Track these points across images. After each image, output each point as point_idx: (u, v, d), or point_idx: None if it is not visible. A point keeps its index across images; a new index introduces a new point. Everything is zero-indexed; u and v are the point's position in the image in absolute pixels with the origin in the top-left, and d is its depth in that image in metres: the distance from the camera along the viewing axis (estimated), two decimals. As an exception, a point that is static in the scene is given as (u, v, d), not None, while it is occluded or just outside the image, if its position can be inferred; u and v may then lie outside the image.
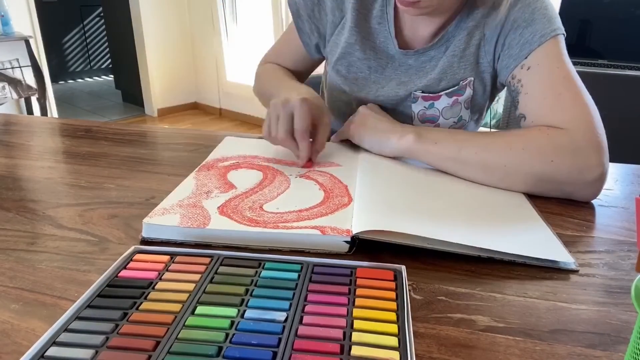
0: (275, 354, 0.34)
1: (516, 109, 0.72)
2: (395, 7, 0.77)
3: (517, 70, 0.70)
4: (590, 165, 0.61)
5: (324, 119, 0.70)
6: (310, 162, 0.69)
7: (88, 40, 5.45)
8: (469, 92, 0.77)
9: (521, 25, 0.70)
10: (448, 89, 0.77)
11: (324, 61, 0.94)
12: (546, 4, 0.71)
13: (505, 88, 0.76)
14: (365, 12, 0.79)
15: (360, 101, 0.81)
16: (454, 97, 0.78)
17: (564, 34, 0.69)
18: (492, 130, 2.68)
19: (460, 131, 0.72)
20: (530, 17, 0.69)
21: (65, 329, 0.37)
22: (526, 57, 0.69)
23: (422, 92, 0.78)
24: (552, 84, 0.67)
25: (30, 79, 3.11)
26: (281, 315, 0.38)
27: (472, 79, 0.76)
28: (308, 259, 0.46)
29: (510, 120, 2.85)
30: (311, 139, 0.70)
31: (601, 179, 0.62)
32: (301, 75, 0.94)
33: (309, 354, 0.34)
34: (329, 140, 0.76)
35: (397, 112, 0.81)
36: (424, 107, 0.79)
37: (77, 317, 0.38)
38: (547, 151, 0.62)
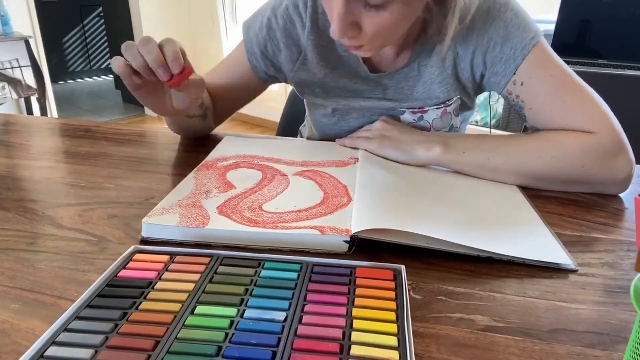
0: (274, 353, 0.34)
1: (525, 122, 0.71)
2: None
3: (510, 87, 0.69)
4: (620, 165, 0.63)
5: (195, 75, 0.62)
6: (176, 78, 0.58)
7: (88, 40, 5.46)
8: (456, 102, 0.76)
9: (498, 43, 0.68)
10: (433, 106, 0.77)
11: None
12: (515, 11, 0.68)
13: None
14: (328, 43, 0.75)
15: (343, 121, 0.80)
16: (442, 109, 0.77)
17: (542, 37, 0.68)
18: (493, 130, 2.69)
19: (487, 138, 0.71)
20: (505, 32, 0.67)
21: (65, 328, 0.37)
22: (515, 73, 0.68)
23: (408, 110, 0.77)
24: (552, 94, 0.66)
25: (30, 78, 3.11)
26: (281, 315, 0.38)
27: (457, 96, 0.76)
28: (307, 258, 0.46)
29: (511, 120, 2.86)
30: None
31: (630, 176, 0.64)
32: (240, 97, 0.85)
33: (308, 353, 0.34)
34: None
35: None
36: (414, 119, 0.77)
37: (77, 316, 0.38)
38: (577, 156, 0.63)
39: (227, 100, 0.84)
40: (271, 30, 0.76)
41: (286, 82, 0.83)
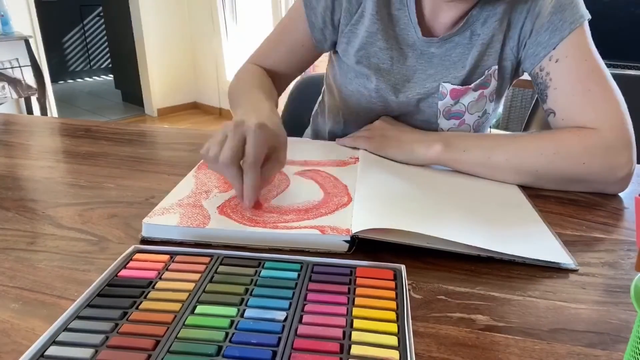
0: (275, 353, 0.34)
1: (544, 102, 0.71)
2: None
3: (545, 62, 0.70)
4: (620, 164, 0.63)
5: (279, 153, 0.58)
6: (259, 204, 0.56)
7: (88, 40, 5.46)
8: (494, 83, 0.76)
9: (550, 12, 0.69)
10: (476, 79, 0.76)
11: (327, 63, 0.89)
12: None
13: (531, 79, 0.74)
14: None
15: (384, 99, 0.78)
16: (480, 91, 0.76)
17: (589, 18, 0.70)
18: (493, 129, 2.69)
19: (487, 136, 0.71)
20: (558, 2, 0.69)
21: (65, 328, 0.37)
22: (555, 48, 0.68)
23: (451, 83, 0.76)
24: (581, 79, 0.67)
25: (30, 78, 3.11)
26: (281, 315, 0.38)
27: (496, 67, 0.75)
28: (308, 258, 0.46)
29: (510, 120, 2.85)
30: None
31: (630, 175, 0.64)
32: (287, 77, 0.86)
33: (308, 353, 0.34)
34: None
35: (421, 109, 0.79)
36: (450, 104, 0.77)
37: (77, 316, 0.38)
38: (579, 153, 0.63)
39: (285, 76, 0.84)
40: None
41: (333, 47, 0.81)
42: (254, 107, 0.64)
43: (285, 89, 0.88)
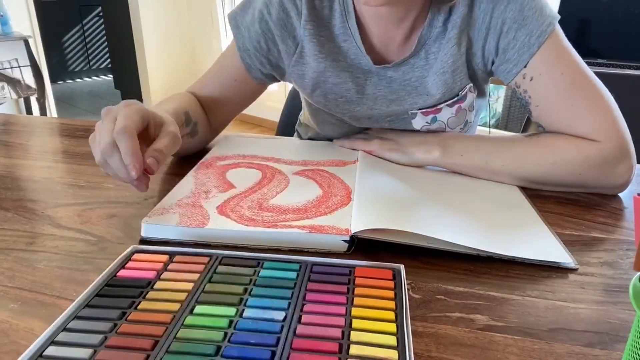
0: (274, 353, 0.34)
1: (530, 116, 0.69)
2: (358, 22, 0.68)
3: (519, 79, 0.66)
4: (619, 174, 0.63)
5: (166, 128, 0.55)
6: (144, 180, 0.51)
7: (87, 40, 5.45)
8: (470, 96, 0.72)
9: (512, 28, 0.63)
10: (448, 101, 0.71)
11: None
12: None
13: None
14: (326, 33, 0.70)
15: (354, 126, 0.77)
16: (457, 106, 0.72)
17: (557, 20, 0.65)
18: (492, 129, 2.69)
19: (486, 139, 0.69)
20: (520, 16, 0.63)
21: (64, 328, 0.37)
22: (526, 65, 0.64)
23: (420, 109, 0.72)
24: (562, 95, 0.63)
25: (29, 78, 3.11)
26: (280, 315, 0.38)
27: (470, 84, 0.71)
28: (307, 258, 0.46)
29: (510, 119, 2.86)
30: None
31: (628, 181, 0.64)
32: (225, 109, 0.79)
33: (307, 353, 0.34)
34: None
35: (397, 129, 0.76)
36: (427, 122, 0.73)
37: (76, 316, 0.38)
38: (575, 164, 0.63)
39: (222, 107, 0.78)
40: (263, 22, 0.70)
41: (283, 79, 0.77)
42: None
43: (228, 120, 0.81)
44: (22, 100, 3.25)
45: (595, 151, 0.62)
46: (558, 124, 0.65)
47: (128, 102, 0.54)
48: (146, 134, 0.54)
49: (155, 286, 0.42)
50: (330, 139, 0.81)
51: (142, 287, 0.42)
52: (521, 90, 0.67)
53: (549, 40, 0.63)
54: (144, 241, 0.52)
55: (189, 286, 0.42)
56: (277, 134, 1.23)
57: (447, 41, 0.67)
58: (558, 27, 0.65)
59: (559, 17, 0.65)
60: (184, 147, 0.67)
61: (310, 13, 0.69)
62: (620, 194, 0.66)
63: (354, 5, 0.68)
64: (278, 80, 0.78)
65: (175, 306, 0.39)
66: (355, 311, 0.39)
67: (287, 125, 1.20)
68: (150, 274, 0.43)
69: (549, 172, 0.64)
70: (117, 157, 0.49)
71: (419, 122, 0.73)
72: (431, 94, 0.70)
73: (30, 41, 3.10)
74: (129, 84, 4.34)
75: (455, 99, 0.71)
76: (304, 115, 0.91)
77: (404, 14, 0.66)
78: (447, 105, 0.72)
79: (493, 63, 0.69)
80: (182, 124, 0.67)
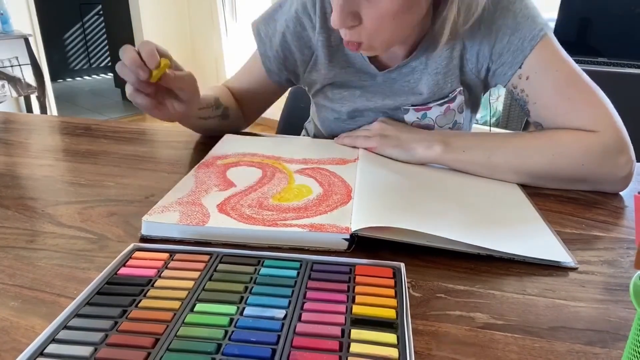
0: (274, 351, 0.34)
1: (528, 116, 0.71)
2: None
3: (515, 80, 0.69)
4: (620, 165, 0.63)
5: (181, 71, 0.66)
6: (149, 80, 0.61)
7: (88, 38, 5.45)
8: (459, 98, 0.76)
9: (507, 33, 0.68)
10: (437, 101, 0.76)
11: None
12: (525, 2, 0.68)
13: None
14: (336, 43, 0.76)
15: (350, 117, 0.80)
16: (446, 106, 0.76)
17: (550, 30, 0.68)
18: (493, 128, 2.69)
19: (487, 136, 0.71)
20: (513, 22, 0.67)
21: (65, 326, 0.37)
22: (521, 66, 0.68)
23: (412, 105, 0.77)
24: (558, 89, 0.66)
25: (29, 77, 3.11)
26: (280, 313, 0.38)
27: (460, 88, 0.75)
28: (307, 256, 0.46)
29: (510, 118, 2.85)
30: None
31: (630, 174, 0.65)
32: (253, 105, 0.89)
33: (308, 351, 0.34)
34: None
35: None
36: (417, 117, 0.77)
37: (77, 314, 0.38)
38: (578, 155, 0.63)
39: (251, 103, 0.88)
40: (283, 35, 0.78)
41: (299, 83, 0.85)
42: None
43: (259, 111, 0.91)
44: (22, 99, 3.25)
45: (596, 140, 0.63)
46: (556, 118, 0.67)
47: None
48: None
49: (156, 284, 0.42)
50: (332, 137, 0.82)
51: (143, 285, 0.42)
52: (518, 91, 0.70)
53: (541, 43, 0.67)
54: (144, 239, 0.52)
55: (190, 284, 0.42)
56: (277, 133, 1.23)
57: (442, 45, 0.70)
58: (550, 34, 0.68)
59: (551, 27, 0.68)
60: (217, 128, 0.81)
61: (323, 25, 0.76)
62: (621, 193, 0.66)
63: None
64: (295, 84, 0.87)
65: (176, 304, 0.39)
66: (355, 309, 0.39)
67: (287, 124, 1.20)
68: (151, 272, 0.43)
69: (552, 163, 0.64)
70: (130, 52, 0.60)
71: (410, 118, 0.77)
72: (422, 93, 0.75)
73: (31, 39, 3.10)
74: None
75: (445, 99, 0.75)
76: (313, 115, 0.94)
77: (405, 41, 0.72)
78: (438, 104, 0.76)
79: (488, 70, 0.73)
80: (212, 105, 0.79)
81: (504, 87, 0.73)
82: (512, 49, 0.68)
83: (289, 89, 1.19)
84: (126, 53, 0.60)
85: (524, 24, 0.67)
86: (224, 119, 0.82)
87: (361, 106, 0.78)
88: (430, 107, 0.76)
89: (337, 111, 0.81)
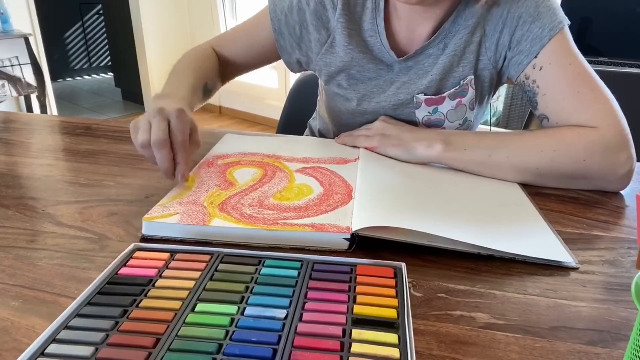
0: (275, 351, 0.34)
1: (535, 109, 0.72)
2: (386, 18, 0.74)
3: (529, 70, 0.70)
4: (621, 161, 0.64)
5: (194, 135, 0.63)
6: (186, 177, 0.60)
7: (88, 38, 5.44)
8: (471, 92, 0.76)
9: (527, 21, 0.69)
10: (450, 88, 0.76)
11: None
12: None
13: (509, 84, 0.76)
14: (356, 27, 0.76)
15: (362, 108, 0.80)
16: (457, 99, 0.76)
17: (569, 24, 0.70)
18: (493, 128, 2.69)
19: (488, 134, 0.71)
20: (535, 11, 0.69)
21: (66, 326, 0.37)
22: (537, 56, 0.68)
23: (425, 94, 0.76)
24: (568, 83, 0.67)
25: (29, 76, 3.10)
26: (281, 313, 0.38)
27: (472, 77, 0.75)
28: (308, 256, 0.46)
29: (511, 118, 2.85)
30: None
31: (631, 172, 0.65)
32: (241, 68, 0.88)
33: (309, 351, 0.34)
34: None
35: (400, 119, 0.79)
36: (428, 112, 0.77)
37: (77, 314, 0.38)
38: (579, 151, 0.64)
39: (239, 68, 0.87)
40: (301, 12, 0.77)
41: (308, 68, 0.84)
42: (176, 92, 0.72)
43: (236, 76, 0.91)
44: (22, 98, 3.25)
45: (597, 136, 0.64)
46: (562, 111, 0.68)
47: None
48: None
49: (157, 284, 0.42)
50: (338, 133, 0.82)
51: (144, 285, 0.42)
52: (530, 82, 0.71)
53: (559, 35, 0.68)
54: (145, 239, 0.52)
55: (190, 284, 0.42)
56: (277, 132, 1.23)
57: (464, 28, 0.72)
58: (567, 29, 0.69)
59: (569, 22, 0.70)
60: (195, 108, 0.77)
61: (345, 7, 0.75)
62: (622, 192, 0.66)
63: (384, 4, 0.73)
64: (303, 69, 0.86)
65: (177, 304, 0.39)
66: (356, 309, 0.39)
67: (287, 123, 1.20)
68: (152, 272, 0.43)
69: (553, 160, 0.64)
70: (165, 152, 0.58)
71: (421, 112, 0.78)
72: (433, 74, 0.75)
73: (31, 39, 3.09)
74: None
75: (457, 87, 0.75)
76: (320, 109, 0.94)
77: (434, 11, 0.72)
78: (449, 96, 0.76)
79: (505, 59, 0.73)
80: (200, 98, 0.78)
81: (515, 80, 0.73)
82: (531, 37, 0.69)
83: (289, 89, 1.20)
84: (160, 152, 0.58)
85: (545, 14, 0.68)
86: (205, 99, 0.82)
87: (373, 97, 0.78)
88: (443, 99, 0.76)
89: (349, 99, 0.81)
